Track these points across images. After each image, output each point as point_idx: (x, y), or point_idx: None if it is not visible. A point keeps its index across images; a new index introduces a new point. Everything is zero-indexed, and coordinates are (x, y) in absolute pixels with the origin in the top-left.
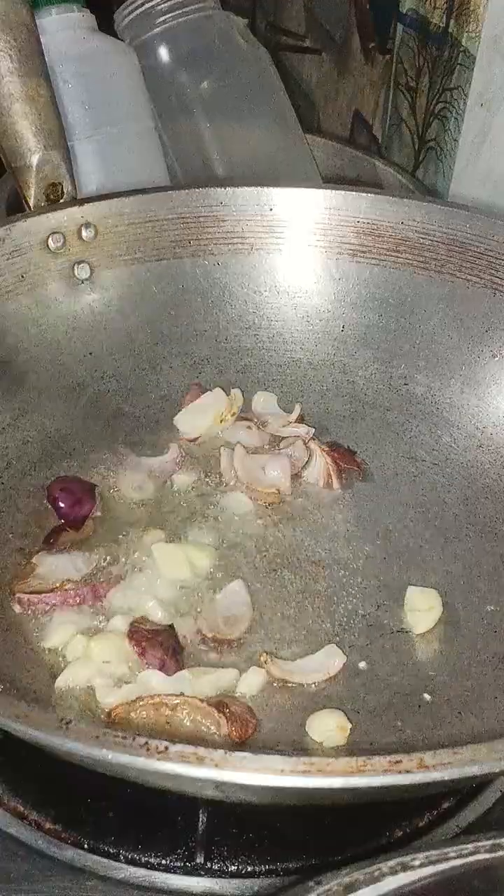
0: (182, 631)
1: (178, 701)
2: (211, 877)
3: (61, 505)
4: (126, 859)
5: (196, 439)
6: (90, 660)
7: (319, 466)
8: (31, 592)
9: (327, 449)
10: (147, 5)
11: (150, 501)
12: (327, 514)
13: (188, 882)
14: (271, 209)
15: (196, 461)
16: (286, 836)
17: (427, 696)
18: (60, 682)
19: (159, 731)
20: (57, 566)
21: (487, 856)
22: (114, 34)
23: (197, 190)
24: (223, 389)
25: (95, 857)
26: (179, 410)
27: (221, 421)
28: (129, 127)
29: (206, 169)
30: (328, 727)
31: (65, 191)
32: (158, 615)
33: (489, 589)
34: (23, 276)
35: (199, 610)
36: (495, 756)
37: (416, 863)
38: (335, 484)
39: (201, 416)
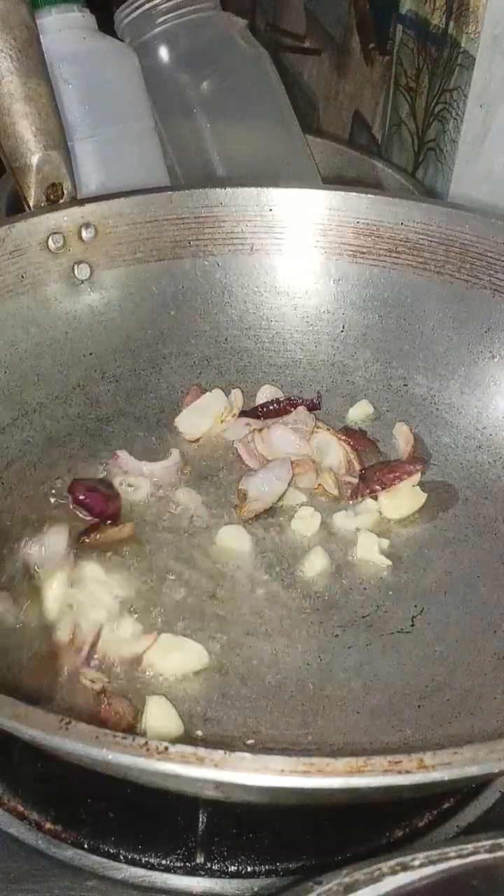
0: None
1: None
2: (211, 877)
3: (93, 504)
4: (126, 859)
5: (197, 440)
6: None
7: (339, 454)
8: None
9: (344, 437)
10: (147, 5)
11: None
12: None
13: (188, 882)
14: (271, 209)
15: (197, 470)
16: (286, 836)
17: (427, 696)
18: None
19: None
20: None
21: (487, 856)
22: (114, 34)
23: (197, 190)
24: (223, 390)
25: (95, 857)
26: (179, 411)
27: (222, 421)
28: (129, 127)
29: (206, 169)
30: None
31: (65, 191)
32: None
33: (489, 589)
34: (23, 276)
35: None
36: (495, 756)
37: (416, 863)
38: (356, 466)
39: (201, 417)
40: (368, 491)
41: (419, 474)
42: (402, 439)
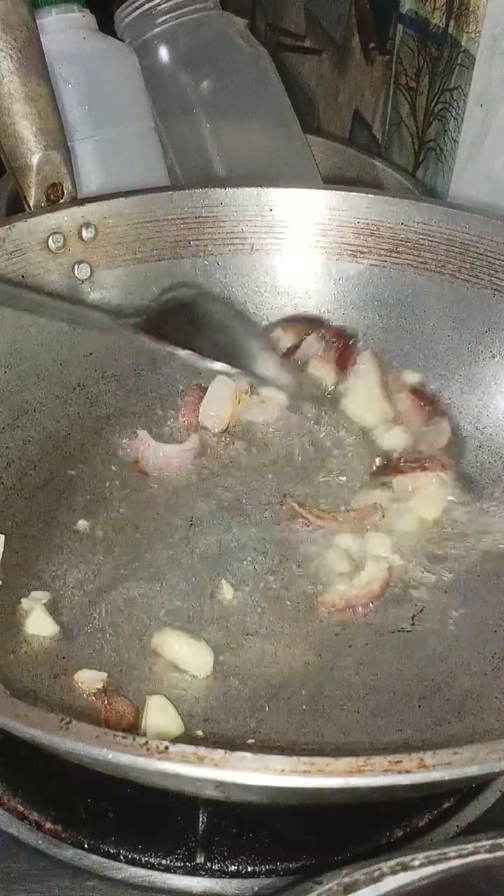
0: None
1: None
2: (211, 877)
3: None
4: (126, 859)
5: (225, 430)
6: None
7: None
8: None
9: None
10: (147, 5)
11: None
12: None
13: (188, 882)
14: (271, 209)
15: (216, 451)
16: (286, 836)
17: (427, 696)
18: None
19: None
20: None
21: (487, 856)
22: (114, 34)
23: (197, 190)
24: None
25: (95, 857)
26: (179, 410)
27: (239, 401)
28: (129, 127)
29: (206, 169)
30: None
31: (65, 191)
32: None
33: (489, 589)
34: (23, 276)
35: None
36: (495, 756)
37: (416, 863)
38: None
39: (222, 404)
40: (386, 476)
41: (446, 475)
42: (439, 433)
